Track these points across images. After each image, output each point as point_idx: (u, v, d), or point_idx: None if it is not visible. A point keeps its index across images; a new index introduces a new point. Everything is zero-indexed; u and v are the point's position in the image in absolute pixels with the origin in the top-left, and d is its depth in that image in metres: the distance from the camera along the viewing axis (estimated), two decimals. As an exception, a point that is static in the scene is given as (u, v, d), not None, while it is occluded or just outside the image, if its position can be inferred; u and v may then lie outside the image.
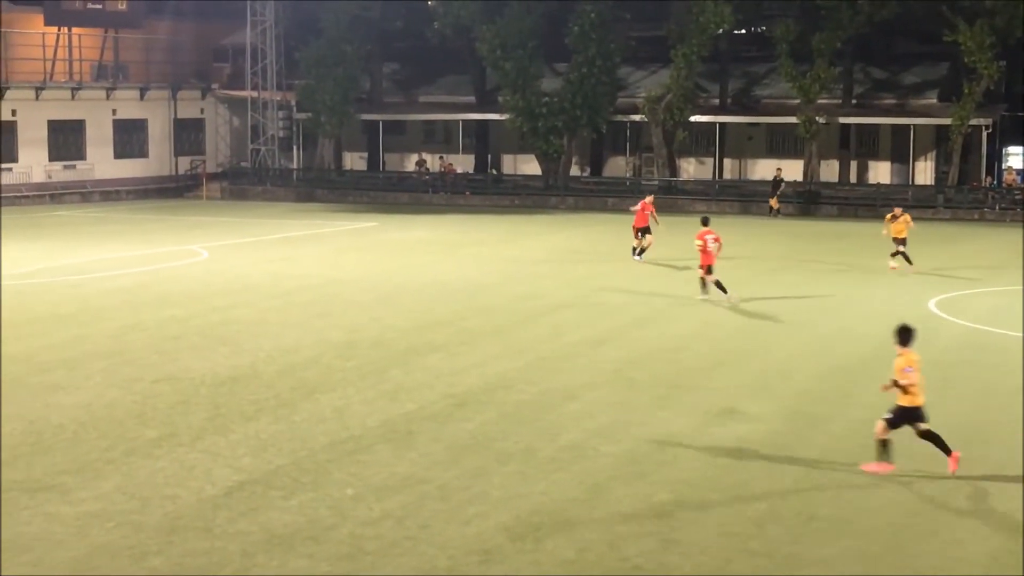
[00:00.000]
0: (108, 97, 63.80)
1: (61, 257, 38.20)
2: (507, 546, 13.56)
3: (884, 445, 16.09)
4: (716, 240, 29.83)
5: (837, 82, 58.39)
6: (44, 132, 61.04)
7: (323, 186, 63.83)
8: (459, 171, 63.38)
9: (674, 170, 60.90)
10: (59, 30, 62.57)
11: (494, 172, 64.92)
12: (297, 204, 59.88)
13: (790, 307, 29.17)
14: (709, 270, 29.82)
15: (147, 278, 33.78)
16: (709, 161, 62.12)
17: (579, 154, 63.84)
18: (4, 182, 58.87)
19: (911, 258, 34.90)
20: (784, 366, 22.91)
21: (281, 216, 52.78)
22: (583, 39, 58.65)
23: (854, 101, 60.05)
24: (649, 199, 38.11)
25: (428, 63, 68.13)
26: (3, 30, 60.28)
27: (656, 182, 59.10)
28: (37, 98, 60.44)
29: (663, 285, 32.56)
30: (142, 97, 65.25)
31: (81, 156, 62.83)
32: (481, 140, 66.26)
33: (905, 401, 16.00)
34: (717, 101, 61.66)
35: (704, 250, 29.68)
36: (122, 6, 63.54)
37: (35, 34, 61.62)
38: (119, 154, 64.49)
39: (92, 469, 16.23)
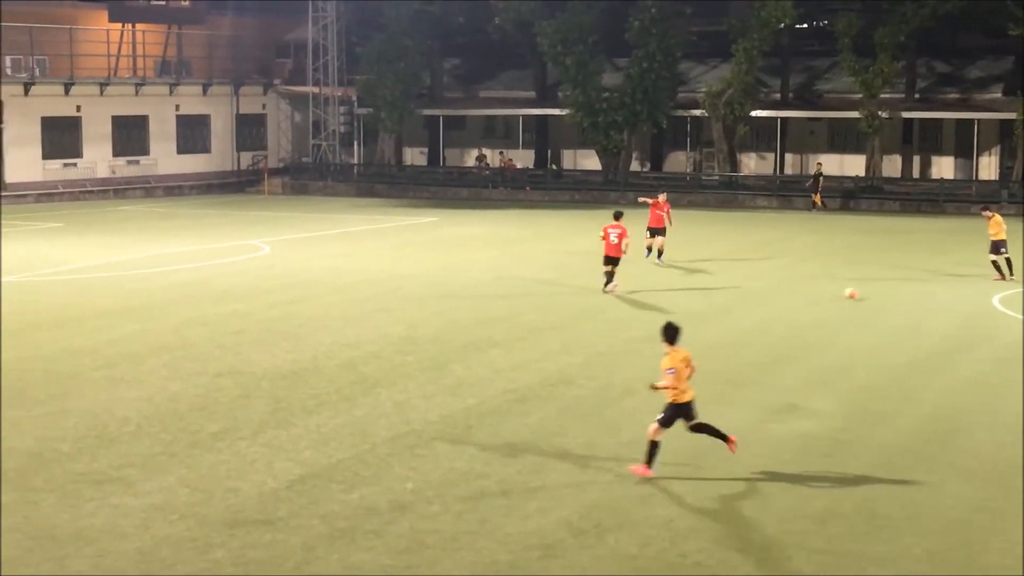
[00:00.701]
0: (171, 93, 64.33)
1: (125, 252, 38.56)
2: (568, 541, 13.56)
3: (654, 447, 15.77)
4: (620, 236, 30.16)
5: (900, 76, 57.92)
6: (108, 128, 61.64)
7: (383, 181, 64.04)
8: (519, 166, 63.40)
9: (735, 165, 60.63)
10: (123, 27, 63.16)
11: (554, 167, 64.88)
12: (357, 199, 60.11)
13: (852, 303, 28.95)
14: (608, 261, 30.31)
15: (209, 273, 34.03)
16: (770, 156, 61.78)
17: (639, 149, 63.72)
18: (69, 177, 59.52)
19: (1011, 266, 32.59)
20: (846, 362, 22.75)
21: (341, 211, 53.00)
22: (643, 34, 58.50)
23: (917, 96, 59.54)
24: (662, 197, 36.25)
25: (489, 58, 68.21)
26: (69, 27, 60.90)
27: (717, 177, 58.88)
28: (101, 94, 61.05)
29: (723, 280, 32.41)
30: (205, 93, 65.75)
31: (144, 151, 63.37)
32: (541, 135, 66.26)
33: (672, 398, 15.82)
34: (778, 96, 61.35)
35: (607, 242, 30.20)
36: (185, 3, 64.06)
37: (100, 31, 62.23)
38: (182, 149, 65.00)
39: (155, 462, 16.38)
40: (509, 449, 16.99)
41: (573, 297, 30.03)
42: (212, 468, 16.07)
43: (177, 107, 64.61)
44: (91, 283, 32.13)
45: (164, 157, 63.96)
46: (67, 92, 59.70)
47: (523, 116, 64.79)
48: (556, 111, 62.36)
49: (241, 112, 67.52)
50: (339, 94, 66.58)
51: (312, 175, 66.06)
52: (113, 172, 61.71)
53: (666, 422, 15.77)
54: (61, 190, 58.89)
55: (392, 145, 67.31)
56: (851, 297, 25.85)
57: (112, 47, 62.24)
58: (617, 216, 30.91)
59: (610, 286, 30.24)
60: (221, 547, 13.40)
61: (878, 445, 17.23)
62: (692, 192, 57.42)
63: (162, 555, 13.16)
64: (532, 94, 65.48)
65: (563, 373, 21.71)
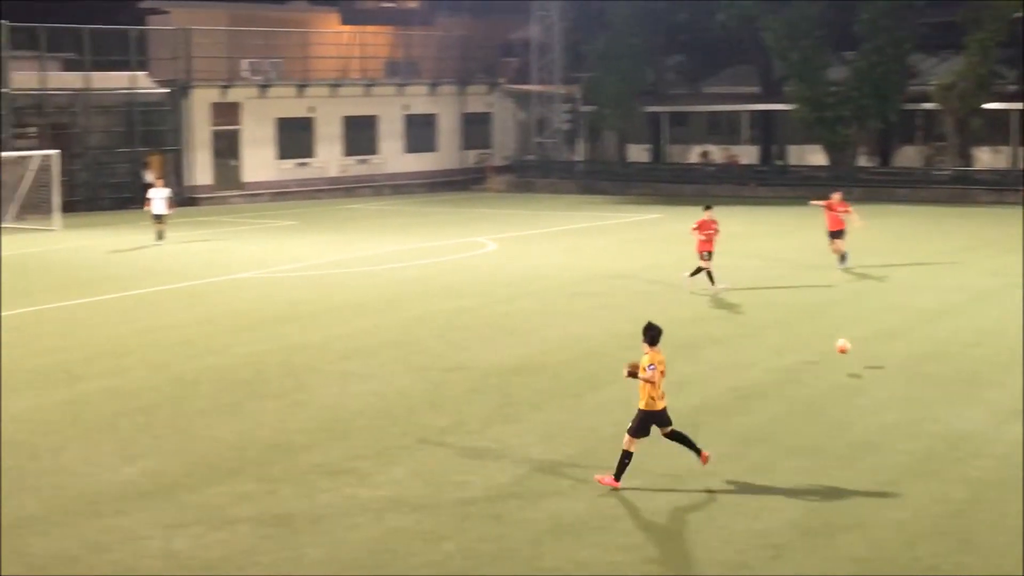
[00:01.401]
0: (400, 93, 65.58)
1: (356, 249, 39.48)
2: (797, 542, 13.41)
3: (626, 458, 15.19)
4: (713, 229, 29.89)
5: None
6: (339, 128, 63.18)
7: (607, 178, 64.11)
8: (743, 162, 62.80)
9: (967, 160, 58.93)
10: (354, 29, 64.63)
11: (779, 163, 64.06)
12: (581, 196, 60.32)
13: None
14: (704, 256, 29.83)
15: (437, 269, 34.60)
16: (1005, 150, 59.82)
17: (867, 144, 62.38)
18: (302, 176, 61.25)
19: None
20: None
21: (565, 208, 53.29)
22: (872, 27, 57.28)
23: None
24: (836, 197, 33.59)
25: (713, 54, 67.63)
26: (303, 30, 62.64)
27: (948, 172, 57.32)
28: (333, 95, 62.60)
29: (955, 279, 31.53)
30: (432, 93, 66.84)
31: (374, 151, 64.76)
32: (766, 131, 65.49)
33: (646, 405, 15.23)
34: (1014, 87, 59.37)
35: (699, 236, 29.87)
36: (414, 4, 65.22)
37: (332, 33, 63.84)
38: (410, 148, 66.20)
39: (387, 455, 16.76)
40: (735, 447, 16.88)
41: (798, 294, 29.64)
42: (442, 462, 16.37)
43: (405, 107, 65.84)
44: (323, 279, 33.00)
45: (392, 156, 65.25)
46: (301, 93, 61.41)
47: (747, 112, 64.12)
48: (781, 106, 61.50)
49: (467, 111, 68.43)
50: (563, 92, 66.93)
51: (536, 173, 66.53)
52: (344, 171, 63.25)
53: (637, 431, 15.27)
54: (294, 189, 60.60)
55: (616, 142, 67.37)
56: (841, 352, 21.06)
57: (344, 49, 63.75)
58: (707, 208, 30.70)
59: (716, 286, 29.34)
60: (451, 539, 13.64)
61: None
62: (922, 188, 56.01)
63: (394, 546, 13.46)
64: (757, 89, 64.71)
65: (789, 371, 21.47)
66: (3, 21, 49.40)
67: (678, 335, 24.57)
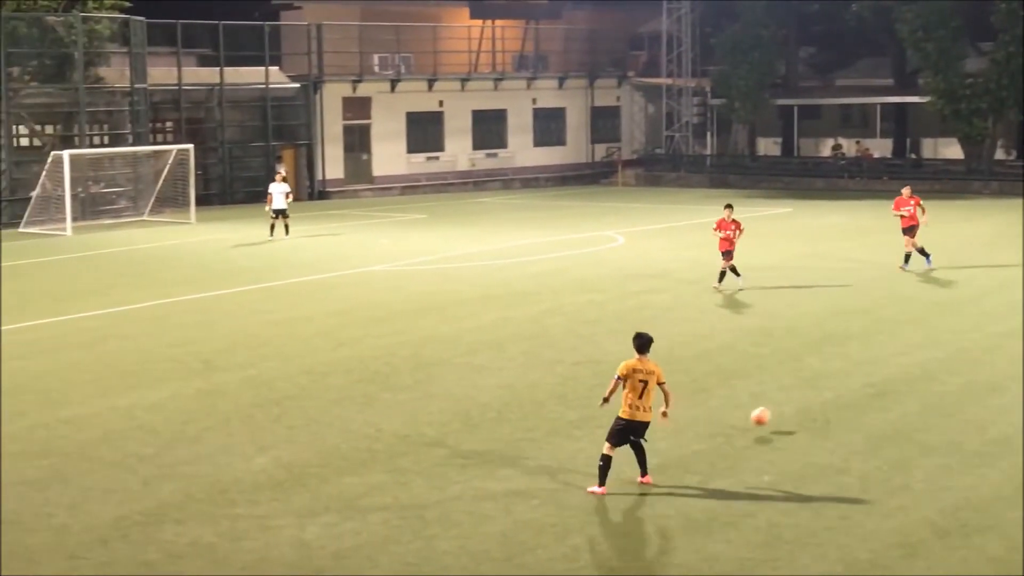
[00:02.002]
0: (528, 87, 65.74)
1: (485, 242, 39.63)
2: (932, 541, 13.20)
3: (606, 463, 14.80)
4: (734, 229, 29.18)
5: None
6: (468, 122, 63.54)
7: (736, 172, 63.67)
8: (876, 156, 61.90)
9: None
10: (483, 23, 64.90)
11: (913, 156, 63.04)
12: (711, 190, 59.89)
13: None
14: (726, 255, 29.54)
15: (566, 263, 34.63)
16: None
17: (1005, 137, 61.12)
18: (431, 170, 61.70)
19: None
20: None
21: (694, 202, 52.94)
22: (1010, 17, 56.03)
23: None
24: (906, 192, 32.26)
25: (845, 46, 66.80)
26: (433, 24, 63.07)
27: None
28: (462, 89, 62.95)
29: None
30: (560, 86, 66.88)
31: (502, 144, 65.01)
32: (899, 124, 64.49)
33: (628, 415, 14.83)
34: None
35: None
36: (542, -2, 65.29)
37: (461, 27, 64.15)
38: (538, 142, 66.37)
39: (516, 448, 16.81)
40: (869, 444, 16.66)
41: (933, 290, 29.17)
42: (571, 456, 16.37)
43: (534, 101, 65.97)
44: (453, 272, 33.20)
45: (521, 150, 65.43)
46: (430, 88, 61.85)
47: (881, 104, 63.18)
48: (916, 99, 60.52)
49: (596, 104, 68.37)
50: (692, 85, 66.59)
51: (665, 166, 66.30)
52: (472, 165, 63.56)
53: (616, 439, 14.93)
54: (423, 183, 61.06)
55: (745, 135, 66.88)
56: (758, 422, 17.48)
57: (473, 43, 64.05)
58: (728, 207, 30.44)
59: (734, 282, 29.16)
60: (580, 533, 13.65)
61: None
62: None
63: (523, 538, 13.50)
64: (890, 82, 63.76)
65: (924, 368, 21.12)
66: (141, 18, 50.43)
67: (811, 331, 24.37)
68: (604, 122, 69.13)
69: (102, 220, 47.27)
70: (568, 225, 44.60)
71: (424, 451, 16.70)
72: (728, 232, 29.81)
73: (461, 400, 19.39)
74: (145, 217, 48.25)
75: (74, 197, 45.31)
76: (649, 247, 37.81)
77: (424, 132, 61.99)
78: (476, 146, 63.87)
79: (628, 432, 14.93)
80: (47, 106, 50.16)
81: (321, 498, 14.85)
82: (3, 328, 25.66)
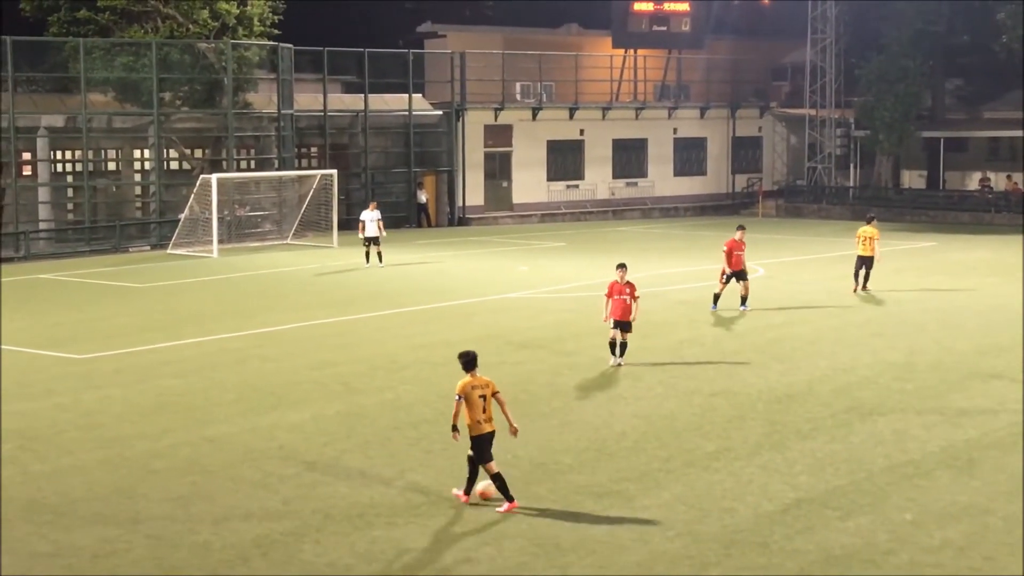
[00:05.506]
0: (669, 116, 65.57)
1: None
2: (1079, 586, 12.89)
3: (498, 480, 15.25)
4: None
5: None
6: (609, 150, 63.56)
7: (879, 204, 62.63)
8: (1025, 190, 60.61)
9: None
10: (625, 52, 64.93)
11: (1064, 191, 61.59)
12: (853, 222, 58.74)
13: None
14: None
15: (705, 293, 34.33)
16: None
17: None
18: (570, 198, 61.83)
19: None
20: None
21: (836, 234, 52.27)
22: None
23: None
24: (739, 235, 31.65)
25: (994, 78, 65.53)
26: (575, 54, 63.27)
27: None
28: (603, 118, 63.00)
29: None
30: (702, 116, 66.63)
31: (643, 174, 64.90)
32: (1050, 158, 63.07)
33: (473, 431, 15.29)
34: None
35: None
36: (685, 27, 65.09)
37: (603, 56, 64.25)
38: (678, 172, 66.16)
39: (652, 478, 16.75)
40: (1015, 484, 16.29)
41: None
42: (708, 487, 16.27)
43: (675, 130, 65.79)
44: (590, 301, 33.11)
45: (661, 179, 65.27)
46: (571, 116, 62.00)
47: (1031, 138, 61.90)
48: (1068, 132, 59.19)
49: (737, 135, 67.97)
50: (836, 116, 65.86)
51: (807, 198, 65.60)
52: (612, 193, 63.55)
53: (480, 457, 15.43)
54: (563, 211, 61.19)
55: (889, 168, 65.88)
56: (482, 496, 15.76)
57: (615, 72, 64.09)
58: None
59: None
60: (717, 566, 13.55)
61: None
62: None
63: (659, 569, 13.44)
64: (1041, 114, 62.44)
65: (1074, 408, 20.60)
66: (289, 45, 51.38)
67: (957, 367, 23.92)
68: (745, 152, 68.71)
69: (247, 243, 48.18)
70: (707, 255, 44.23)
71: (560, 478, 16.71)
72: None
73: (598, 428, 19.38)
74: (288, 240, 49.05)
75: (221, 220, 46.30)
76: (790, 279, 37.44)
77: (564, 160, 62.17)
78: (616, 175, 63.84)
79: (485, 444, 15.49)
80: (197, 130, 51.38)
81: (457, 522, 14.95)
82: (152, 347, 26.35)
